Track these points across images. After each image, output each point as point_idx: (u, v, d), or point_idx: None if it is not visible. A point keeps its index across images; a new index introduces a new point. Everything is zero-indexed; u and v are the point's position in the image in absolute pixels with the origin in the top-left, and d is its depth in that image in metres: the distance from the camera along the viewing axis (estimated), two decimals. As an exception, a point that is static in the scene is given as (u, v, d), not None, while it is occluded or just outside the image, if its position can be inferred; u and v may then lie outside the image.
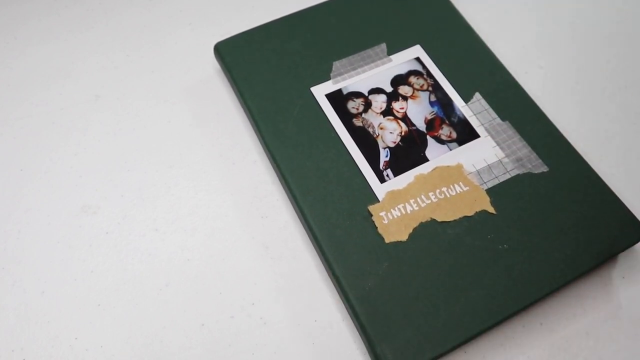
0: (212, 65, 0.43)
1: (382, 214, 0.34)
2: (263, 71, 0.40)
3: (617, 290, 0.34)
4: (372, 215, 0.34)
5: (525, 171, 0.36)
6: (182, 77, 0.43)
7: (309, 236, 0.35)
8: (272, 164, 0.38)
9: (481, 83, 0.40)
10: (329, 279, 0.34)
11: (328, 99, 0.39)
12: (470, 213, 0.34)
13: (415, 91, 0.39)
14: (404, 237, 0.33)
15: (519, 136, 0.37)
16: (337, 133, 0.37)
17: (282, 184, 0.37)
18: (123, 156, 0.39)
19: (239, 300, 0.34)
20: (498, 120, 0.38)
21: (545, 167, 0.36)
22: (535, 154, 0.36)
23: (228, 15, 0.46)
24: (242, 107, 0.40)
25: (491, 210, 0.34)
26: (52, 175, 0.38)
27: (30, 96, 0.42)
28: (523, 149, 0.37)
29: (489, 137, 0.37)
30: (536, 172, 0.36)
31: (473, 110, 0.38)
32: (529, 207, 0.35)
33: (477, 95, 0.39)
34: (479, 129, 0.38)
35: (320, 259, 0.34)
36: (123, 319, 0.33)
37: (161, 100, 0.42)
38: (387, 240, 0.33)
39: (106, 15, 0.46)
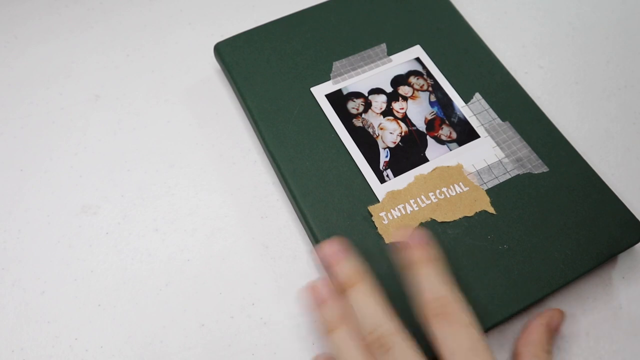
0: (212, 65, 0.43)
1: (382, 214, 0.34)
2: (263, 71, 0.40)
3: (617, 290, 0.34)
4: (372, 216, 0.34)
5: (525, 171, 0.36)
6: (182, 77, 0.43)
7: (308, 236, 0.35)
8: (272, 164, 0.38)
9: (481, 83, 0.40)
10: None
11: (328, 99, 0.39)
12: (470, 213, 0.34)
13: (415, 91, 0.39)
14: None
15: (519, 136, 0.37)
16: (337, 133, 0.37)
17: (282, 184, 0.37)
18: (123, 156, 0.39)
19: (239, 300, 0.34)
20: (498, 120, 0.38)
21: (546, 167, 0.36)
22: (535, 154, 0.36)
23: (228, 15, 0.46)
24: (242, 107, 0.40)
25: (491, 210, 0.34)
26: (52, 175, 0.38)
27: (30, 96, 0.42)
28: (523, 149, 0.37)
29: (489, 138, 0.37)
30: (536, 172, 0.36)
31: (473, 110, 0.38)
32: (529, 207, 0.35)
33: (477, 96, 0.39)
34: (479, 129, 0.38)
35: None
36: (123, 319, 0.33)
37: (161, 100, 0.42)
38: (387, 241, 0.33)
39: (106, 14, 0.46)
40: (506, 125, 0.38)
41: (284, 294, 0.34)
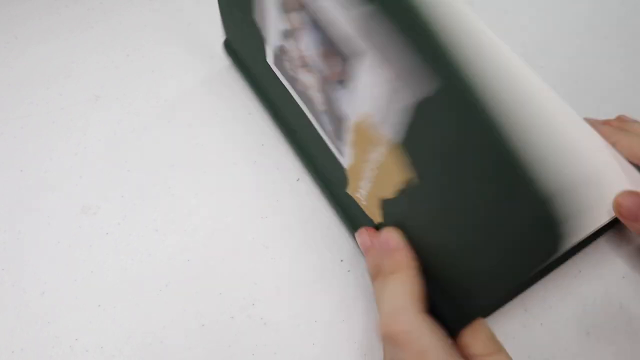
0: (212, 65, 0.43)
1: (358, 195, 0.32)
2: (256, 58, 0.36)
3: (617, 290, 0.34)
4: (354, 200, 0.32)
5: (417, 98, 0.20)
6: (182, 77, 0.43)
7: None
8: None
9: None
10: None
11: (277, 68, 0.33)
12: (393, 194, 0.25)
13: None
14: (380, 219, 0.30)
15: (389, 24, 0.19)
16: (303, 110, 0.33)
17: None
18: (123, 156, 0.39)
19: (239, 300, 0.34)
20: (363, 7, 0.20)
21: (436, 76, 0.18)
22: (412, 47, 0.19)
23: (228, 15, 0.46)
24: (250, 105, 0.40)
25: (412, 179, 0.23)
26: (52, 175, 0.38)
27: (30, 96, 0.42)
28: (396, 48, 0.19)
29: (371, 52, 0.21)
30: (422, 94, 0.19)
31: None
32: (444, 155, 0.21)
33: None
34: (355, 41, 0.22)
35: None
36: (123, 319, 0.33)
37: (161, 100, 0.42)
38: (375, 222, 0.31)
39: (106, 14, 0.46)
40: (373, 13, 0.20)
41: (284, 294, 0.34)
